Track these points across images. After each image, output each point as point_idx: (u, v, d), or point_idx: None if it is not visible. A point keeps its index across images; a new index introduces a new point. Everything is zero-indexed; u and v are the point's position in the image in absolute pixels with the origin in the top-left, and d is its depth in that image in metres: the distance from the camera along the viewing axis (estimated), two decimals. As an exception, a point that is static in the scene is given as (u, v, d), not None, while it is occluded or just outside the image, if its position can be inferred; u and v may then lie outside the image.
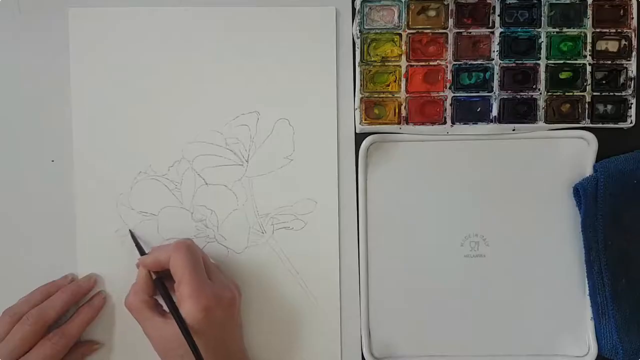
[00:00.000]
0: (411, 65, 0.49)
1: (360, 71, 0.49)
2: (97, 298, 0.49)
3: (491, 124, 0.49)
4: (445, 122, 0.49)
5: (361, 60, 0.49)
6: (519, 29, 0.49)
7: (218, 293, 0.45)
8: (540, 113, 0.49)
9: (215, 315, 0.44)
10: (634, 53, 0.49)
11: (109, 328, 0.50)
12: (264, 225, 0.50)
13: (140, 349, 0.48)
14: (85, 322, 0.48)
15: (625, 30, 0.49)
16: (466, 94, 0.49)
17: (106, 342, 0.50)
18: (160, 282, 0.46)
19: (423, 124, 0.49)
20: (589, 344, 0.50)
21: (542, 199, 0.50)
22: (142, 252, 0.48)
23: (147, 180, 0.50)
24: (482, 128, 0.50)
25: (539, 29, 0.49)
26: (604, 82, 0.49)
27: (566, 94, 0.49)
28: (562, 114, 0.49)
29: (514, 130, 0.50)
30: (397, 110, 0.49)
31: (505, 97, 0.49)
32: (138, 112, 0.50)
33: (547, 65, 0.49)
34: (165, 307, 0.46)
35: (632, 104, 0.49)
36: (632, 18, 0.49)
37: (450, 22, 0.49)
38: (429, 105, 0.49)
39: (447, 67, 0.49)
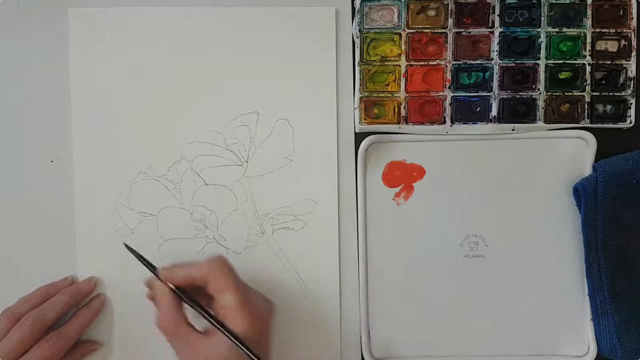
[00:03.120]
0: (411, 65, 0.49)
1: (360, 71, 0.49)
2: (96, 300, 0.49)
3: (490, 123, 0.49)
4: (444, 122, 0.49)
5: (361, 60, 0.49)
6: (519, 29, 0.49)
7: (260, 302, 0.44)
8: (540, 113, 0.49)
9: (260, 325, 0.43)
10: (634, 53, 0.49)
11: (108, 329, 0.50)
12: (264, 225, 0.50)
13: (140, 349, 0.48)
14: (84, 324, 0.48)
15: (624, 30, 0.49)
16: (466, 94, 0.49)
17: (105, 342, 0.50)
18: (191, 296, 0.44)
19: (422, 123, 0.49)
20: (589, 344, 0.50)
21: (541, 199, 0.50)
22: (152, 268, 0.45)
23: (146, 180, 0.50)
24: (481, 128, 0.50)
25: (539, 29, 0.49)
26: (603, 82, 0.49)
27: (566, 94, 0.49)
28: (561, 114, 0.49)
29: (513, 130, 0.50)
30: (396, 110, 0.49)
31: (505, 97, 0.49)
32: (138, 112, 0.50)
33: (546, 65, 0.49)
34: (196, 325, 0.44)
35: (631, 104, 0.49)
36: (632, 18, 0.49)
37: (450, 21, 0.49)
38: (429, 105, 0.49)
39: (446, 66, 0.49)
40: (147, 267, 0.45)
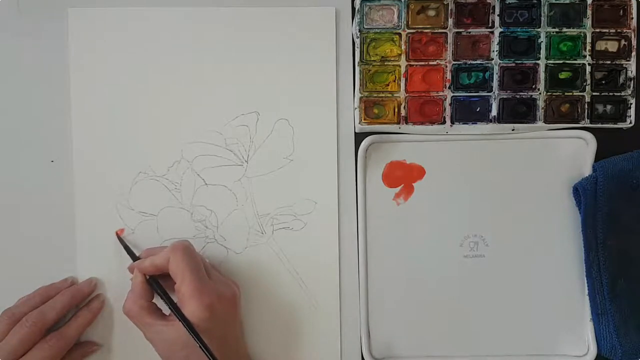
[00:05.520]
0: (411, 65, 0.49)
1: (360, 71, 0.49)
2: (95, 301, 0.49)
3: (490, 123, 0.49)
4: (444, 122, 0.49)
5: (361, 60, 0.49)
6: (519, 29, 0.49)
7: (219, 290, 0.45)
8: (540, 113, 0.49)
9: (218, 313, 0.44)
10: (634, 53, 0.49)
11: (108, 329, 0.50)
12: (264, 225, 0.50)
13: (139, 350, 0.48)
14: (84, 325, 0.48)
15: (624, 31, 0.49)
16: (465, 94, 0.49)
17: (105, 343, 0.50)
18: (157, 284, 0.46)
19: (422, 123, 0.49)
20: (589, 344, 0.50)
21: (541, 198, 0.50)
22: (133, 257, 0.48)
23: (146, 180, 0.50)
24: (481, 128, 0.50)
25: (539, 29, 0.49)
26: (603, 82, 0.49)
27: (565, 94, 0.49)
28: (561, 114, 0.49)
29: (513, 130, 0.50)
30: (396, 110, 0.49)
31: (505, 97, 0.49)
32: (138, 112, 0.50)
33: (546, 65, 0.49)
34: (164, 310, 0.46)
35: (631, 104, 0.49)
36: (632, 18, 0.49)
37: (450, 21, 0.49)
38: (429, 105, 0.49)
39: (446, 66, 0.49)
40: (130, 257, 0.48)
